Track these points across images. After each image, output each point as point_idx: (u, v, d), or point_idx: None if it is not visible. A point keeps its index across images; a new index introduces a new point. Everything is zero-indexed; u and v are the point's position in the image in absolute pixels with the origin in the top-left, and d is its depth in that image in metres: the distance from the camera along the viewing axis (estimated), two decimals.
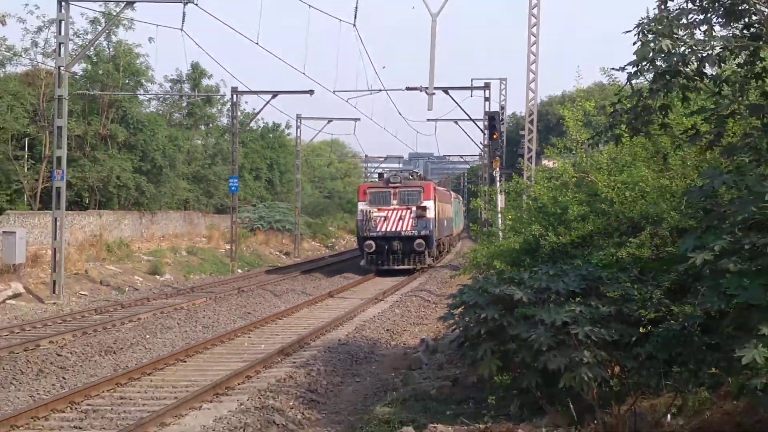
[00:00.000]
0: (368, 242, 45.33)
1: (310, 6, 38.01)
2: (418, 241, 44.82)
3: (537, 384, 8.82)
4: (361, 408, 16.90)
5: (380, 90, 53.41)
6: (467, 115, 58.44)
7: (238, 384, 18.04)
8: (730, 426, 10.43)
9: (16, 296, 32.95)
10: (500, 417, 13.31)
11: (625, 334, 8.69)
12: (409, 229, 45.16)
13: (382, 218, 45.36)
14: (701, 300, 8.12)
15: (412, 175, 52.78)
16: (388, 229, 45.27)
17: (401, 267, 45.02)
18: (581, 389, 8.50)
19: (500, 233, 29.18)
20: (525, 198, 25.31)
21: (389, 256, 45.59)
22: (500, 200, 37.75)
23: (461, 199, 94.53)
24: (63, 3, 34.04)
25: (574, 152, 20.35)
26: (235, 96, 57.06)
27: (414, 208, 45.34)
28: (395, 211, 45.58)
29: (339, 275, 48.78)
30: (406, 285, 41.22)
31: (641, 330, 8.99)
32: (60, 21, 34.53)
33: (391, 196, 46.27)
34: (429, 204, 46.10)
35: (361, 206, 46.71)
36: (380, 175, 58.13)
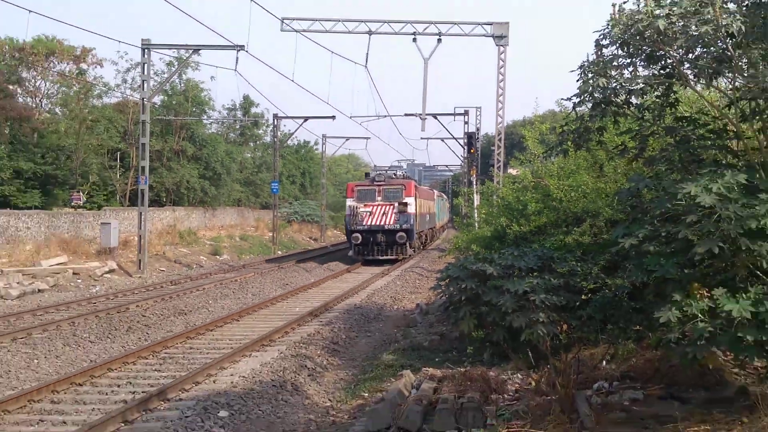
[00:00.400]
0: (355, 235, 40.47)
1: (332, 52, 38.60)
2: (400, 234, 40.04)
3: (504, 338, 8.82)
4: (371, 355, 16.99)
5: (386, 115, 53.90)
6: (451, 134, 58.69)
7: (278, 337, 18.18)
8: (650, 370, 10.42)
9: (111, 271, 33.22)
10: (476, 362, 13.38)
11: (570, 300, 8.70)
12: (391, 222, 40.23)
13: (368, 213, 40.36)
14: (628, 274, 8.11)
15: (395, 175, 47.22)
16: (373, 223, 40.31)
17: (384, 257, 40.37)
18: (537, 342, 8.50)
19: (476, 224, 29.29)
20: (495, 198, 25.32)
21: (374, 247, 40.62)
22: (476, 199, 38.03)
23: (445, 197, 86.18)
24: (146, 50, 34.12)
25: (532, 163, 20.41)
26: (275, 120, 57.16)
27: (396, 204, 40.33)
28: (379, 207, 40.52)
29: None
30: (406, 263, 41.11)
31: (583, 297, 9.00)
32: (143, 64, 34.63)
33: (376, 193, 41.10)
34: (410, 200, 40.86)
35: (349, 202, 41.54)
36: (366, 174, 52.24)
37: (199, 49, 35.27)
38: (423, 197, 48.16)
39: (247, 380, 13.77)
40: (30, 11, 26.71)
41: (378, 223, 40.32)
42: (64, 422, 11.19)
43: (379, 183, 41.71)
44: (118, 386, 13.51)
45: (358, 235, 40.15)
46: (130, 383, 13.69)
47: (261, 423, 11.72)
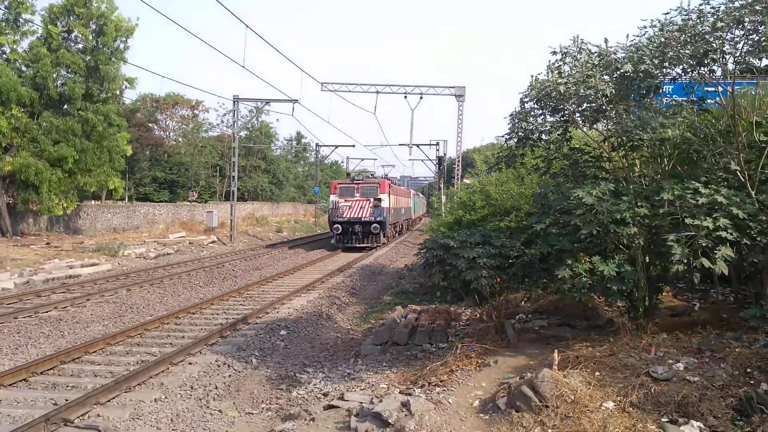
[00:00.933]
0: (336, 226, 31.93)
1: (353, 104, 38.50)
2: (374, 225, 31.61)
3: (460, 286, 8.89)
4: (377, 297, 17.00)
5: (387, 144, 53.77)
6: (427, 157, 58.14)
7: (319, 284, 18.15)
8: (552, 307, 10.48)
9: (213, 242, 33.08)
10: (442, 302, 13.41)
11: (502, 263, 8.74)
12: (367, 215, 31.66)
13: (347, 207, 31.97)
14: (539, 247, 8.15)
15: (372, 175, 38.06)
16: (352, 216, 31.81)
17: (361, 245, 31.81)
18: (481, 288, 8.56)
19: (443, 214, 29.21)
20: (455, 197, 25.35)
21: (352, 236, 31.99)
22: (443, 198, 37.84)
23: (421, 195, 76.13)
24: (236, 102, 34.00)
25: (479, 176, 20.45)
26: (317, 147, 56.79)
27: (372, 200, 31.85)
28: (357, 202, 32.02)
29: None
30: (399, 237, 40.94)
31: (510, 261, 9.03)
32: (234, 111, 34.45)
33: (355, 190, 32.34)
34: (383, 196, 32.20)
35: (332, 198, 32.64)
36: (348, 174, 43.68)
37: (269, 102, 35.07)
38: (397, 194, 39.42)
39: (297, 311, 13.83)
40: (163, 77, 26.78)
41: (355, 216, 32.06)
42: (183, 336, 11.26)
43: (357, 181, 33.23)
44: (217, 314, 13.56)
45: (339, 226, 31.94)
46: (225, 313, 13.74)
47: (306, 338, 11.77)
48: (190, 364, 9.26)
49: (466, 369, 7.49)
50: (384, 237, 33.24)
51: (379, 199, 32.11)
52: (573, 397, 5.66)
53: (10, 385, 8.18)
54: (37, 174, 25.31)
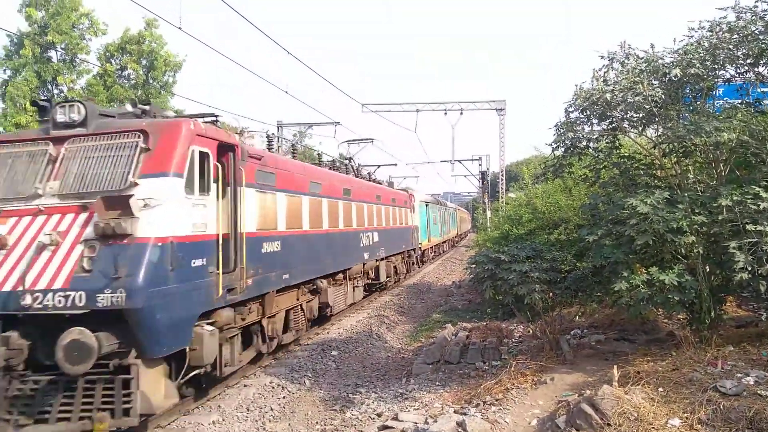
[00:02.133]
0: None
1: (394, 123, 38.82)
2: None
3: (511, 302, 8.70)
4: (425, 315, 16.88)
5: (429, 162, 53.70)
6: (470, 172, 57.90)
7: (366, 304, 18.13)
8: (608, 321, 10.18)
9: None
10: (493, 318, 13.21)
11: (554, 277, 8.54)
12: None
13: None
14: (591, 259, 7.94)
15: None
16: None
17: None
18: (534, 304, 8.37)
19: (488, 229, 28.91)
20: (501, 212, 25.08)
21: None
22: (488, 213, 37.47)
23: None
24: (279, 127, 34.84)
25: (524, 189, 20.19)
26: (359, 168, 57.24)
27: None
28: None
29: None
30: (444, 254, 40.63)
31: (562, 275, 8.82)
32: (278, 136, 35.21)
33: None
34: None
35: None
36: None
37: (311, 125, 35.73)
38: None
39: (348, 331, 13.85)
40: (209, 107, 27.63)
41: None
42: None
43: None
44: None
45: None
46: None
47: (357, 358, 11.77)
48: (245, 386, 9.38)
49: (522, 387, 7.33)
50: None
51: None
52: (636, 415, 5.45)
53: None
54: None
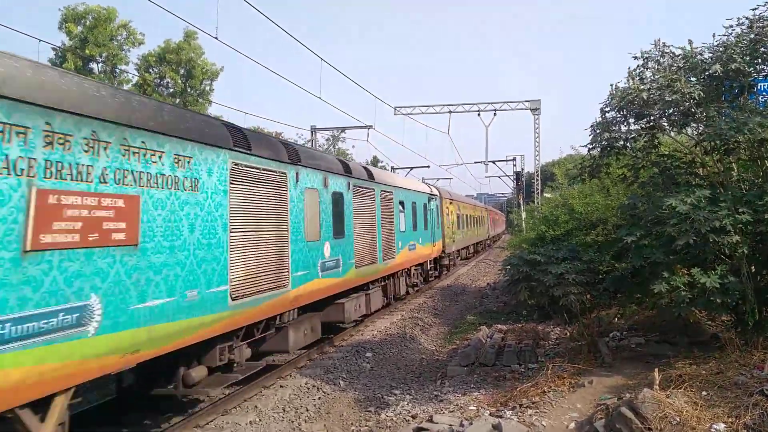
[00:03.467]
0: None
1: (426, 126, 38.68)
2: None
3: (548, 303, 8.62)
4: (460, 317, 16.77)
5: (462, 163, 53.61)
6: (504, 173, 57.41)
7: (400, 306, 18.13)
8: (648, 323, 9.93)
9: None
10: (529, 320, 13.04)
11: (592, 278, 8.41)
12: None
13: None
14: (630, 260, 7.76)
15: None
16: None
17: None
18: (570, 305, 8.25)
19: (524, 230, 28.63)
20: (536, 213, 24.77)
21: None
22: (523, 215, 37.07)
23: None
24: (313, 131, 35.16)
25: (560, 189, 19.93)
26: (392, 170, 57.55)
27: None
28: None
29: None
30: (479, 255, 40.20)
31: (600, 276, 8.66)
32: (312, 140, 35.55)
33: None
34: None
35: None
36: None
37: (344, 129, 35.99)
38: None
39: (381, 333, 13.87)
40: (246, 113, 28.07)
41: None
42: (272, 360, 11.48)
43: None
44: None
45: None
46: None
47: (391, 360, 11.77)
48: (281, 387, 9.48)
49: (559, 390, 7.21)
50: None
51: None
52: (678, 419, 5.31)
53: None
54: None
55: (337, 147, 60.09)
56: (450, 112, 35.82)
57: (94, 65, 28.59)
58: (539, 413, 6.53)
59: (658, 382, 6.04)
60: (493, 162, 46.53)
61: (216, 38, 12.98)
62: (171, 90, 30.78)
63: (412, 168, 57.41)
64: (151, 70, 30.52)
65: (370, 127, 32.79)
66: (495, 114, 35.77)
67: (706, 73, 7.69)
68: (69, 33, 27.71)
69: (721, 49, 7.68)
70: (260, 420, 8.03)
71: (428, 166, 55.21)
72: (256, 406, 8.49)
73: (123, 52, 29.20)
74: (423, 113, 36.36)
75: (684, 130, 8.76)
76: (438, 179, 70.61)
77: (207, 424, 7.86)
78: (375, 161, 75.38)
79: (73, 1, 27.62)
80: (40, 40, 20.27)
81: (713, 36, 7.94)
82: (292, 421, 8.12)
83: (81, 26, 27.87)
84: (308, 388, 9.46)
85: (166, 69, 30.42)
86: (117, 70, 29.29)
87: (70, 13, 27.65)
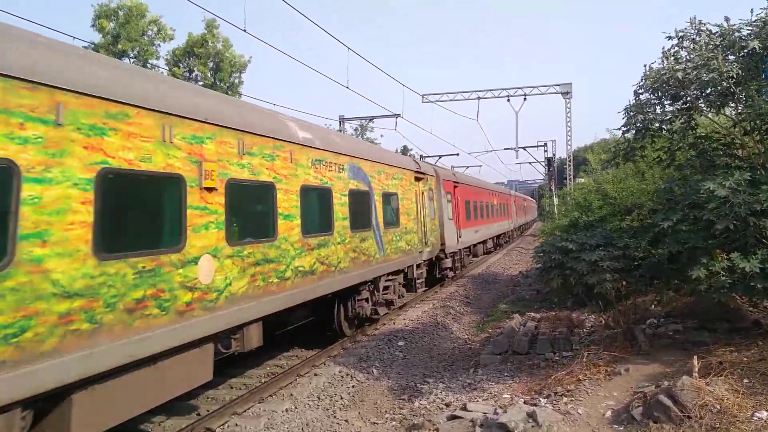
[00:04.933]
0: None
1: (455, 113, 38.33)
2: None
3: (582, 291, 8.47)
4: (492, 305, 16.72)
5: (491, 150, 52.76)
6: (536, 159, 56.60)
7: (432, 295, 18.14)
8: (686, 310, 9.73)
9: None
10: (562, 308, 12.90)
11: (627, 265, 8.23)
12: None
13: None
14: (667, 246, 7.59)
15: None
16: None
17: None
18: (605, 293, 8.12)
19: (555, 217, 28.24)
20: (569, 198, 24.42)
21: None
22: (555, 201, 36.52)
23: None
24: (342, 121, 35.25)
25: (593, 174, 19.61)
26: (421, 159, 57.24)
27: None
28: None
29: None
30: (510, 244, 39.84)
31: (635, 263, 8.49)
32: (340, 130, 35.62)
33: None
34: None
35: None
36: None
37: (372, 119, 35.98)
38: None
39: (413, 322, 13.93)
40: (274, 104, 28.23)
41: None
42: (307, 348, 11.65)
43: None
44: None
45: None
46: None
47: (424, 348, 11.82)
48: (315, 375, 9.63)
49: (595, 378, 7.15)
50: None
51: None
52: (719, 407, 5.21)
53: None
54: None
55: (365, 135, 60.06)
56: (479, 98, 35.45)
57: (125, 60, 29.17)
58: (575, 401, 6.48)
59: (697, 369, 5.94)
60: (524, 148, 45.84)
61: (245, 30, 13.11)
62: (201, 83, 31.20)
63: (441, 156, 57.05)
64: (180, 64, 30.97)
65: (398, 116, 32.71)
66: (525, 99, 35.28)
67: (745, 51, 7.44)
68: (101, 30, 28.27)
69: (759, 24, 7.40)
70: (296, 408, 8.18)
71: (457, 154, 54.67)
72: (291, 394, 8.65)
73: (154, 47, 29.68)
74: (451, 100, 36.07)
75: (722, 111, 8.51)
76: (468, 167, 70.02)
77: (244, 411, 8.04)
78: (405, 150, 75.34)
79: None
80: (74, 38, 20.71)
81: (751, 12, 7.66)
82: (327, 409, 8.24)
83: (113, 22, 28.42)
84: (342, 377, 9.58)
85: (195, 62, 30.82)
86: (148, 65, 29.79)
87: (103, 9, 28.20)
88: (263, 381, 9.31)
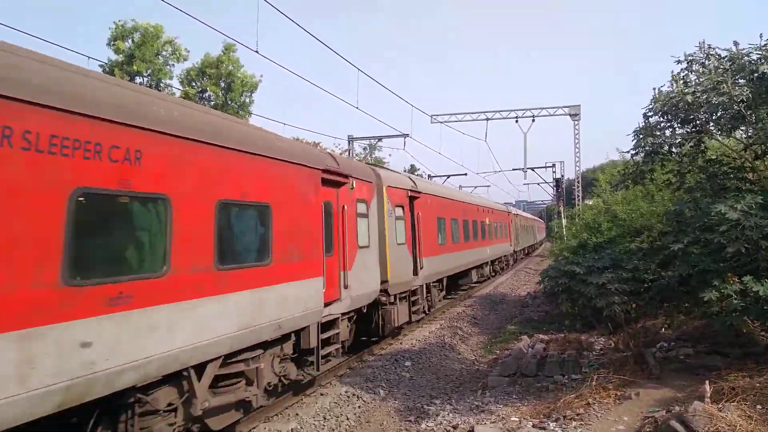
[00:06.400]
0: None
1: (463, 133, 38.53)
2: None
3: (590, 314, 8.41)
4: (499, 326, 16.58)
5: (500, 170, 52.99)
6: (544, 180, 56.49)
7: (439, 315, 18.02)
8: (697, 334, 9.61)
9: None
10: (571, 330, 12.77)
11: (636, 287, 8.17)
12: None
13: None
14: (677, 268, 7.54)
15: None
16: None
17: None
18: (614, 315, 8.04)
19: (564, 237, 28.09)
20: (578, 219, 24.31)
21: None
22: (563, 222, 36.38)
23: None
24: (350, 141, 35.48)
25: (603, 195, 19.55)
26: (429, 177, 57.41)
27: None
28: None
29: None
30: (518, 264, 39.59)
31: (645, 285, 8.41)
32: (349, 150, 35.85)
33: None
34: None
35: None
36: None
37: (381, 138, 36.20)
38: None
39: (420, 342, 13.81)
40: (284, 124, 28.49)
41: None
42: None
43: None
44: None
45: None
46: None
47: (431, 369, 11.71)
48: (321, 395, 9.55)
49: (604, 402, 7.04)
50: None
51: None
52: None
53: None
54: None
55: (374, 156, 60.37)
56: (487, 119, 35.61)
57: (138, 79, 29.56)
58: (584, 425, 6.38)
59: (709, 394, 5.84)
60: (532, 169, 45.87)
61: (257, 52, 13.27)
62: (212, 103, 31.55)
63: (449, 176, 57.21)
64: (192, 84, 31.35)
65: (407, 135, 32.87)
66: (533, 120, 35.39)
67: (755, 75, 7.45)
68: (117, 50, 28.74)
69: None
70: (301, 428, 8.09)
71: (465, 174, 54.81)
72: (297, 414, 8.57)
73: (167, 67, 30.09)
74: (460, 121, 36.28)
75: (732, 134, 8.50)
76: (475, 187, 70.12)
77: (250, 431, 7.97)
78: (413, 170, 75.56)
79: (123, 16, 28.71)
80: (89, 57, 21.08)
81: (760, 36, 7.69)
82: (333, 429, 8.16)
83: (129, 42, 28.90)
84: (348, 397, 9.49)
85: (207, 82, 31.20)
86: (161, 85, 30.19)
87: (119, 30, 28.70)
88: (269, 400, 9.24)
